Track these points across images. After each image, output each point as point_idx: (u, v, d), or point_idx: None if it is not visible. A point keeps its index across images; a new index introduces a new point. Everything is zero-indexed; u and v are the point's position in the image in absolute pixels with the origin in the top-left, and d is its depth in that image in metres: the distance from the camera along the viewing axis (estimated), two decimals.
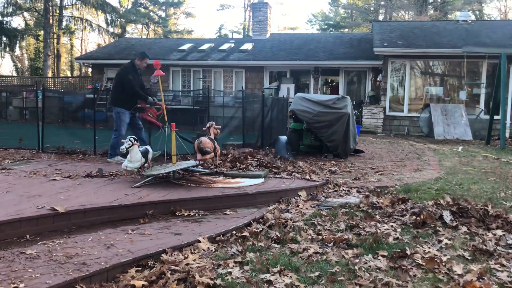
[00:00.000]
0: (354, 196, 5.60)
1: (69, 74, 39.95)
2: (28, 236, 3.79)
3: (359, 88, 19.84)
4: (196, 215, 4.69)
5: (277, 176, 6.19)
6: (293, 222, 4.54)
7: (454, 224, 4.44)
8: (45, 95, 17.17)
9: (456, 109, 16.36)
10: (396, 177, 6.82)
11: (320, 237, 4.08)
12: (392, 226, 4.48)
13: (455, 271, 3.29)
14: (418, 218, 4.59)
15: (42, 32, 30.98)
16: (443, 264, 3.41)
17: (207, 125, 5.65)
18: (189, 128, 11.78)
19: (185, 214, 4.67)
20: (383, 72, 17.36)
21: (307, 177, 6.05)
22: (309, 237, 4.10)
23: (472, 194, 5.77)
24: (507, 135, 15.32)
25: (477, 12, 37.48)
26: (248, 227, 4.35)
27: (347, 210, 4.99)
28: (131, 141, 5.36)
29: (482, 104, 16.76)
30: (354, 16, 44.75)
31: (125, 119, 7.51)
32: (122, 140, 5.44)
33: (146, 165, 5.64)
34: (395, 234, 4.20)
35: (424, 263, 3.42)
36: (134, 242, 3.75)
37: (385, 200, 5.01)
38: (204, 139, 5.36)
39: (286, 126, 14.22)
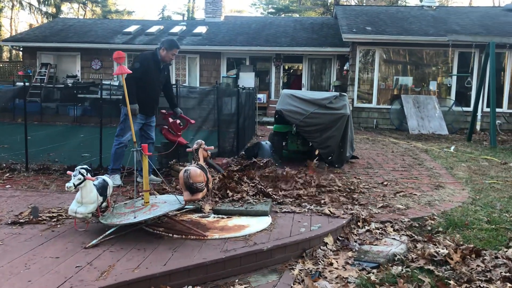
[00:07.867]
0: (395, 239, 4.13)
1: None
2: None
3: (324, 77, 18.51)
4: None
5: (284, 208, 4.59)
6: None
7: None
8: None
9: (429, 100, 15.42)
10: (423, 200, 5.43)
11: None
12: None
13: None
14: None
15: None
16: None
17: (194, 145, 3.87)
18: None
19: None
20: (351, 60, 16.09)
21: (326, 211, 4.49)
22: None
23: None
24: (478, 127, 14.59)
25: None
26: None
27: (401, 269, 3.50)
28: (82, 175, 3.53)
29: (453, 95, 15.94)
30: (302, 1, 43.40)
31: (133, 124, 5.54)
32: (68, 172, 3.61)
33: (104, 204, 3.85)
34: None
35: None
36: None
37: (454, 255, 3.56)
38: (193, 170, 3.58)
39: (255, 120, 12.68)
